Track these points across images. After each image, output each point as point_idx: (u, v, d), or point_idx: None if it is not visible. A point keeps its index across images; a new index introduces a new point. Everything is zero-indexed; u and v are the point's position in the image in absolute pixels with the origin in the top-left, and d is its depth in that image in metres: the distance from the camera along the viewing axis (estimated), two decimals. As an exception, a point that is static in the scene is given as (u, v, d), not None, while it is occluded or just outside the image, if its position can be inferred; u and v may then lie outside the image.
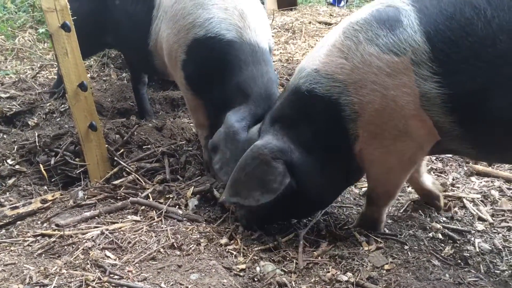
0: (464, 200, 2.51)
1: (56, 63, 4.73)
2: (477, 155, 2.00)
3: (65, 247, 2.11)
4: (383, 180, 2.06)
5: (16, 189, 2.67)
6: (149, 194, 2.56)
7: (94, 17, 3.29)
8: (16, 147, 2.92)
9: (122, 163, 2.80)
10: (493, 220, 2.35)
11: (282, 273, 1.97)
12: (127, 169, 2.77)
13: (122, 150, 2.94)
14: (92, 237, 2.16)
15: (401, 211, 2.44)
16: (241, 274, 1.95)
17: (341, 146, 1.98)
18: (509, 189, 2.61)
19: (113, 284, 1.77)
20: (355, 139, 1.93)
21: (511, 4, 1.59)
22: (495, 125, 1.73)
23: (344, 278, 1.88)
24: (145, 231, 2.22)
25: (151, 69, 3.10)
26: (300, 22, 6.93)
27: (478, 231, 2.26)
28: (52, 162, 2.80)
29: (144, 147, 3.01)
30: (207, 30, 2.51)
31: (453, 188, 2.66)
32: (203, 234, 2.21)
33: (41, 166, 2.79)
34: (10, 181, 2.72)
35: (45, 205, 2.47)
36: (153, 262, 1.98)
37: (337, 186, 2.18)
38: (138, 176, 2.70)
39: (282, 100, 2.11)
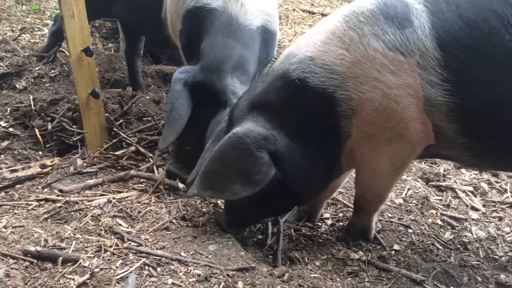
0: (457, 190, 2.64)
1: (37, 27, 4.55)
2: (475, 163, 1.95)
3: (72, 213, 2.06)
4: (374, 184, 1.95)
5: (11, 152, 2.57)
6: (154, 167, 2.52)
7: None
8: (9, 109, 2.80)
9: (122, 134, 2.73)
10: (485, 210, 2.49)
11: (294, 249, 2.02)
12: (127, 140, 2.71)
13: (121, 121, 2.88)
14: (99, 204, 2.12)
15: (400, 197, 2.53)
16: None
17: (329, 142, 1.85)
18: (497, 182, 2.76)
19: (133, 251, 1.76)
20: (346, 137, 1.81)
21: None
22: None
23: (356, 256, 1.95)
24: (154, 202, 2.20)
25: (163, 39, 3.03)
26: (285, 8, 6.93)
27: (473, 219, 2.39)
28: (49, 127, 2.71)
29: (144, 119, 2.95)
30: (197, 0, 2.50)
31: (445, 178, 2.79)
32: (211, 207, 2.21)
33: (36, 130, 2.69)
34: (4, 144, 2.61)
35: (45, 170, 2.39)
36: (167, 232, 1.97)
37: (321, 181, 1.99)
38: (141, 148, 2.65)
39: (265, 85, 1.91)
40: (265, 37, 2.52)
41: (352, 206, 2.24)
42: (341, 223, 2.27)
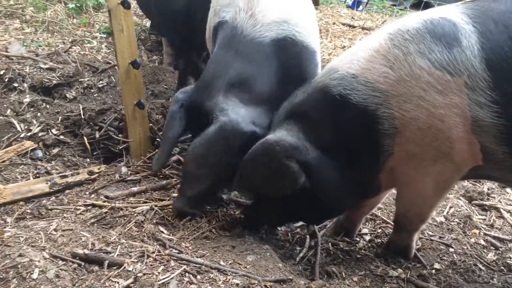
0: (502, 210, 2.57)
1: (87, 40, 4.77)
2: None
3: (117, 218, 2.14)
4: (416, 203, 1.93)
5: (61, 159, 2.70)
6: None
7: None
8: (60, 118, 2.95)
9: (164, 143, 2.82)
10: (532, 232, 2.41)
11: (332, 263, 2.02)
12: (170, 150, 2.80)
13: (164, 131, 2.97)
14: (142, 211, 2.20)
15: (441, 215, 2.48)
16: (292, 261, 2.01)
17: (367, 159, 1.84)
18: (544, 203, 2.67)
19: (174, 258, 1.81)
20: (388, 156, 1.79)
21: None
22: None
23: (395, 273, 1.93)
24: (194, 211, 2.26)
25: None
26: (325, 22, 6.95)
27: (518, 241, 2.32)
28: (97, 135, 2.83)
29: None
30: (219, 16, 2.36)
31: (489, 197, 2.72)
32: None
33: (85, 138, 2.82)
34: (55, 151, 2.75)
35: (92, 176, 2.50)
36: (206, 241, 2.02)
37: (352, 198, 1.99)
38: (182, 158, 2.73)
39: (305, 96, 1.93)
40: (292, 51, 2.19)
41: (391, 223, 2.22)
42: (379, 240, 2.25)
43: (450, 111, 1.65)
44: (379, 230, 2.33)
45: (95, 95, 3.49)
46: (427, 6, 7.19)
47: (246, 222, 2.16)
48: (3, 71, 3.35)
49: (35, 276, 1.59)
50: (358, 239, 2.26)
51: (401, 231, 2.04)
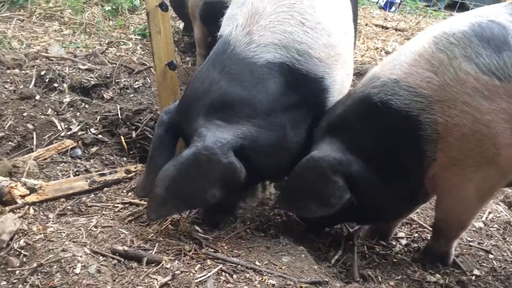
0: (544, 216, 2.49)
1: (122, 41, 4.88)
2: None
3: (153, 217, 2.18)
4: (457, 210, 1.88)
5: (99, 157, 2.77)
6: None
7: None
8: (98, 117, 3.03)
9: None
10: None
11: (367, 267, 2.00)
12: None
13: (198, 131, 3.00)
14: (178, 210, 2.23)
15: (480, 221, 2.42)
16: (327, 264, 2.00)
17: (410, 167, 1.81)
18: None
19: (210, 257, 1.83)
20: (430, 162, 1.75)
21: None
22: None
23: (433, 279, 1.90)
24: (229, 211, 2.28)
25: None
26: (357, 23, 6.88)
27: (562, 248, 2.24)
28: (134, 135, 2.89)
29: (219, 130, 3.06)
30: (221, 29, 2.18)
31: (530, 203, 2.63)
32: (286, 220, 2.25)
33: (122, 138, 2.89)
34: (93, 149, 2.82)
35: (129, 175, 2.55)
36: (241, 241, 2.03)
37: (402, 205, 1.97)
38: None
39: (346, 107, 1.89)
40: (291, 78, 1.91)
41: (428, 227, 2.18)
42: (416, 244, 2.22)
43: (497, 117, 1.60)
44: (416, 235, 2.29)
45: (131, 96, 3.55)
46: (462, 7, 7.04)
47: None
48: (44, 71, 3.46)
49: (77, 270, 1.64)
50: (394, 243, 2.23)
51: (440, 237, 2.00)
